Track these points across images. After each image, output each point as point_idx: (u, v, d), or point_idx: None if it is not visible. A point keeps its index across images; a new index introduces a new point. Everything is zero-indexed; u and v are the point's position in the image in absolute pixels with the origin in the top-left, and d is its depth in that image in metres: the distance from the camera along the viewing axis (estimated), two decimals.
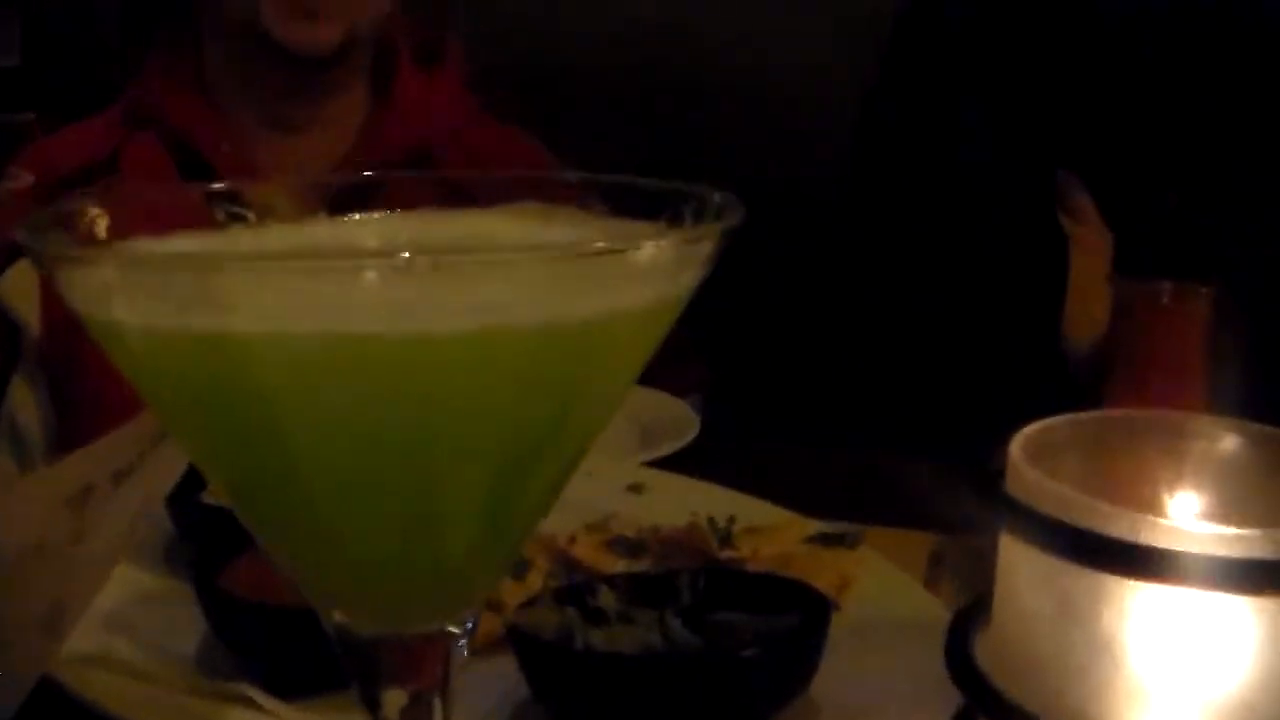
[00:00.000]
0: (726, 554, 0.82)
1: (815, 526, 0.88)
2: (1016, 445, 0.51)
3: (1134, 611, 0.46)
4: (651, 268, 0.35)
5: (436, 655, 0.43)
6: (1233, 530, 0.45)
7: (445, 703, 0.44)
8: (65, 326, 1.32)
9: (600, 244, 0.34)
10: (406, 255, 0.31)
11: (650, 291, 0.36)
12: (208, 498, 0.88)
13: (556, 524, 0.88)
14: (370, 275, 0.32)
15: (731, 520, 0.86)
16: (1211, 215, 0.61)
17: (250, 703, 0.69)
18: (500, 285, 0.33)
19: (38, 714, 0.62)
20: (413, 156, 1.41)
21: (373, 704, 0.44)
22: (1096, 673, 0.48)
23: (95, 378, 1.30)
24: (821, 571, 0.79)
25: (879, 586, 0.82)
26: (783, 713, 0.66)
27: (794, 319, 1.53)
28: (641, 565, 0.82)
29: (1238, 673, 0.46)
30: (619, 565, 0.81)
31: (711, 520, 0.84)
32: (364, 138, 1.43)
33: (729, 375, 1.47)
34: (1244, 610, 0.45)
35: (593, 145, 1.42)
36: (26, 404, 1.36)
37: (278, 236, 0.44)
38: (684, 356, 1.43)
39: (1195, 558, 0.44)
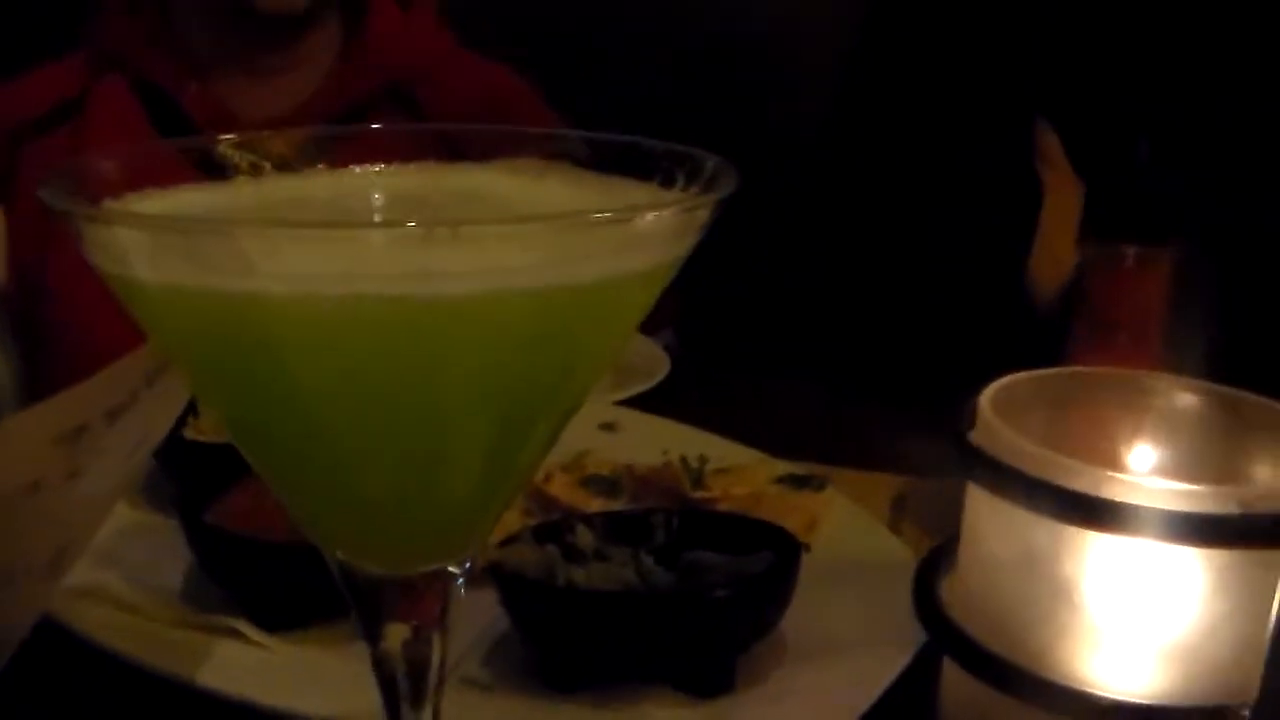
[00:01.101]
0: (698, 494, 0.84)
1: (783, 467, 0.91)
2: (985, 400, 0.53)
3: (1092, 560, 0.49)
4: (652, 235, 0.37)
5: (437, 594, 0.45)
6: (1184, 486, 0.47)
7: (444, 638, 0.47)
8: (34, 274, 1.32)
9: (606, 213, 0.35)
10: (429, 225, 0.33)
11: (649, 257, 0.38)
12: (190, 433, 0.90)
13: None
14: (393, 241, 0.34)
15: (703, 460, 0.88)
16: (1177, 179, 0.63)
17: (238, 635, 0.70)
18: (507, 249, 0.34)
19: (31, 646, 0.64)
20: (385, 93, 1.41)
21: (374, 637, 0.46)
22: (1056, 617, 0.51)
23: (67, 326, 1.30)
24: (790, 512, 0.82)
25: (845, 528, 0.84)
26: (753, 649, 0.69)
27: (768, 259, 1.55)
28: (616, 503, 0.84)
29: (1186, 619, 0.49)
30: (594, 503, 0.83)
31: (684, 460, 0.87)
32: (335, 75, 1.42)
33: (700, 311, 1.49)
34: (1193, 561, 0.48)
35: (574, 89, 1.42)
36: None
37: (284, 189, 0.46)
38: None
39: (1149, 511, 0.46)
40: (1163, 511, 0.46)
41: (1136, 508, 0.47)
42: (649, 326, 1.29)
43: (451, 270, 0.34)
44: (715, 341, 1.45)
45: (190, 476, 0.82)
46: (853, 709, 0.64)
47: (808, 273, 1.43)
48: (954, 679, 0.56)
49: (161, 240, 0.35)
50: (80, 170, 0.42)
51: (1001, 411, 0.53)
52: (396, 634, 0.46)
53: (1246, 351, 0.59)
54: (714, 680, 0.66)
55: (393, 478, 0.40)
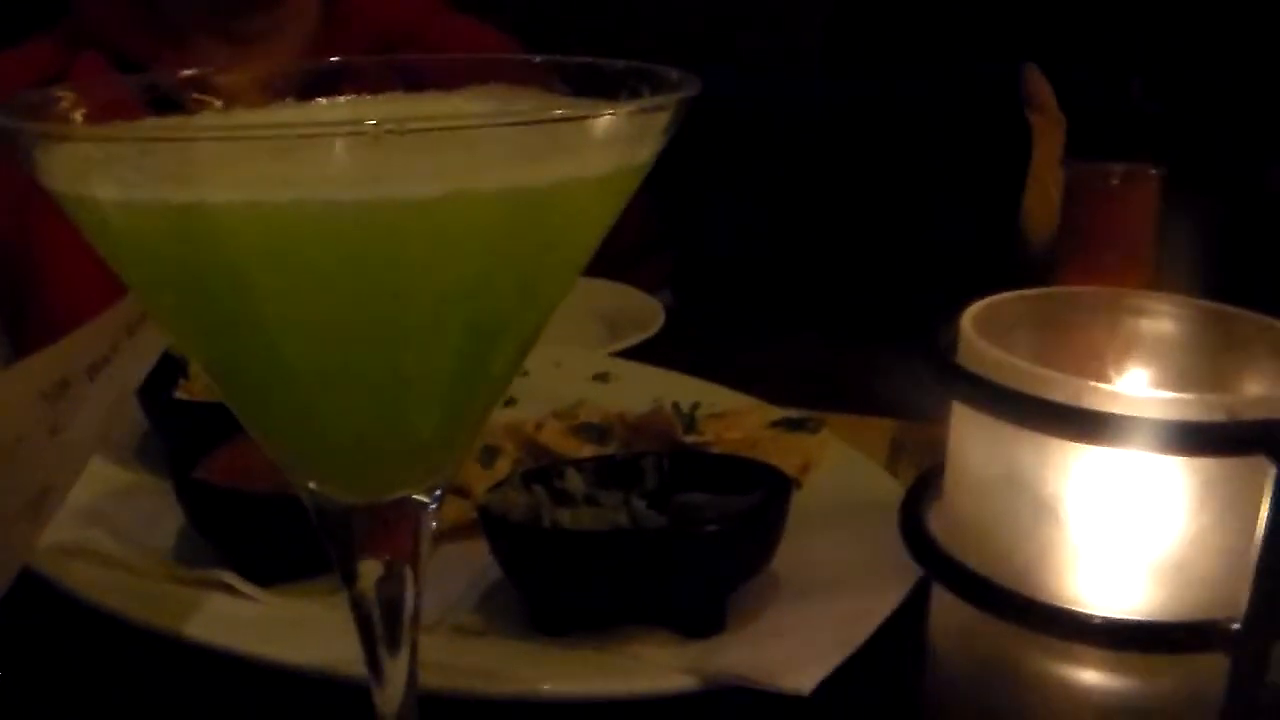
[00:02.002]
0: (691, 438, 0.83)
1: (778, 412, 0.90)
2: (967, 318, 0.53)
3: (1078, 475, 0.49)
4: (610, 136, 0.36)
5: (407, 525, 0.45)
6: (1168, 394, 0.47)
7: (417, 574, 0.46)
8: (18, 247, 1.32)
9: (560, 111, 0.35)
10: (374, 123, 0.33)
11: (609, 160, 0.37)
12: (181, 393, 0.89)
13: (524, 412, 0.90)
14: (339, 144, 0.33)
15: (696, 406, 0.87)
16: (1163, 100, 0.62)
17: (228, 589, 0.70)
18: (464, 152, 0.34)
19: (18, 604, 0.64)
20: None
21: (349, 576, 0.46)
22: (1042, 535, 0.50)
23: (52, 299, 1.30)
24: (784, 454, 0.81)
25: (840, 469, 0.84)
26: (745, 587, 0.68)
27: (764, 216, 1.55)
28: (608, 450, 0.84)
29: (1174, 532, 0.48)
30: (585, 450, 0.83)
31: (676, 405, 0.86)
32: (317, 41, 1.42)
33: (697, 270, 1.48)
34: (1179, 472, 0.47)
35: (560, 43, 1.41)
36: None
37: (247, 117, 0.45)
38: (654, 251, 1.45)
39: (1134, 421, 0.46)
40: (1147, 421, 0.46)
41: (1121, 418, 0.46)
42: (648, 285, 1.28)
43: (402, 173, 0.33)
44: (712, 299, 1.45)
45: (182, 436, 0.82)
46: (846, 644, 0.64)
47: (802, 225, 1.43)
48: (942, 605, 0.56)
49: (112, 153, 0.35)
50: (39, 103, 0.42)
51: (984, 331, 0.52)
52: (370, 571, 0.45)
53: (1238, 269, 0.58)
54: (705, 619, 0.66)
55: (357, 397, 0.39)
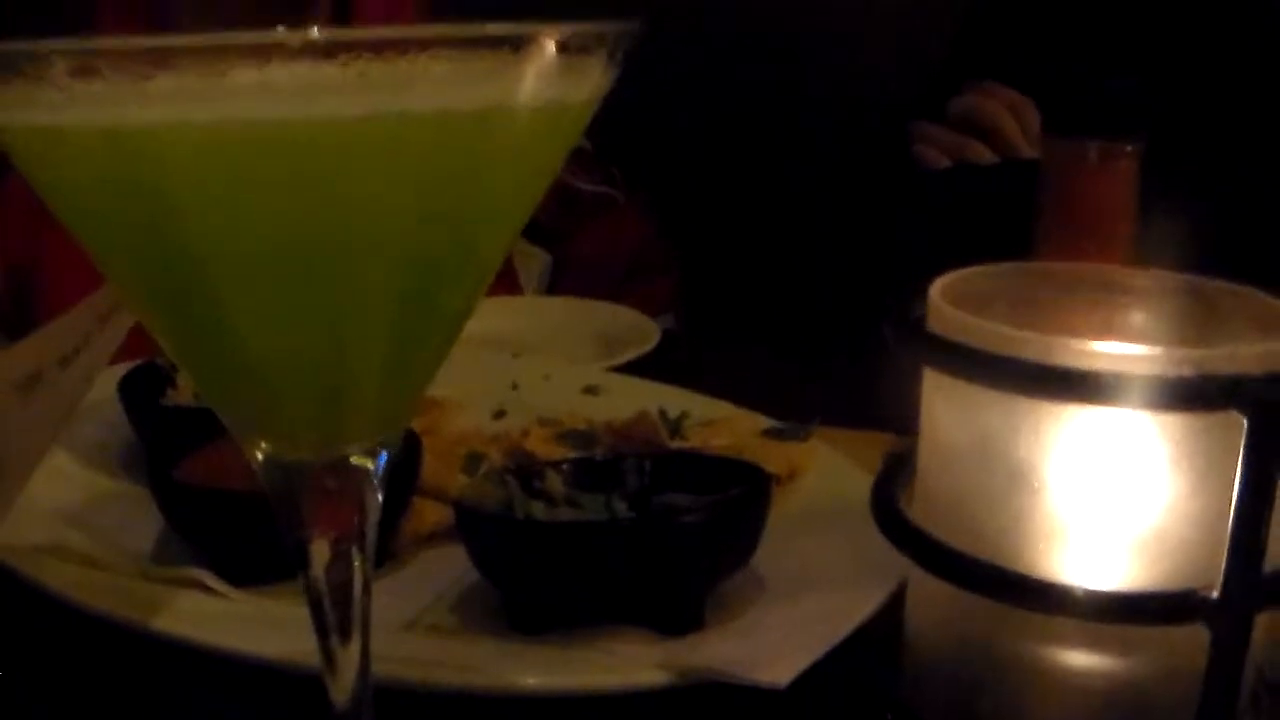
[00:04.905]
0: (677, 444, 0.82)
1: (768, 422, 0.89)
2: (935, 289, 0.51)
3: (1048, 438, 0.47)
4: (544, 67, 0.35)
5: (352, 496, 0.44)
6: (1139, 349, 0.45)
7: (364, 557, 0.45)
8: (26, 273, 1.33)
9: (491, 31, 0.34)
10: (302, 37, 0.32)
11: (545, 93, 0.36)
12: (169, 401, 0.89)
13: (512, 422, 0.89)
14: (265, 60, 0.32)
15: (684, 414, 0.86)
16: (1134, 74, 0.61)
17: (203, 587, 0.69)
18: (392, 71, 0.33)
19: None
20: None
21: (302, 559, 0.45)
22: (1014, 503, 0.49)
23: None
24: (771, 461, 0.80)
25: (828, 474, 0.82)
26: (726, 586, 0.67)
27: (775, 235, 1.54)
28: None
29: (1147, 497, 0.47)
30: (571, 456, 0.81)
31: (663, 412, 0.85)
32: None
33: (701, 293, 1.48)
34: (1150, 431, 0.46)
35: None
36: None
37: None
38: (659, 271, 1.45)
39: (1101, 376, 0.44)
40: (1117, 375, 0.44)
41: (1090, 373, 0.44)
42: (649, 307, 1.28)
43: (329, 91, 0.33)
44: (715, 325, 1.44)
45: (166, 442, 0.81)
46: (826, 639, 0.62)
47: (808, 247, 1.42)
48: (917, 585, 0.54)
49: (41, 77, 0.34)
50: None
51: (954, 303, 0.51)
52: (320, 554, 0.45)
53: (1219, 246, 0.57)
54: (683, 616, 0.65)
55: (292, 340, 0.39)
